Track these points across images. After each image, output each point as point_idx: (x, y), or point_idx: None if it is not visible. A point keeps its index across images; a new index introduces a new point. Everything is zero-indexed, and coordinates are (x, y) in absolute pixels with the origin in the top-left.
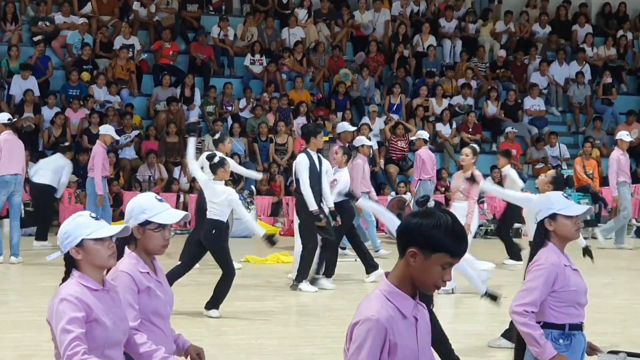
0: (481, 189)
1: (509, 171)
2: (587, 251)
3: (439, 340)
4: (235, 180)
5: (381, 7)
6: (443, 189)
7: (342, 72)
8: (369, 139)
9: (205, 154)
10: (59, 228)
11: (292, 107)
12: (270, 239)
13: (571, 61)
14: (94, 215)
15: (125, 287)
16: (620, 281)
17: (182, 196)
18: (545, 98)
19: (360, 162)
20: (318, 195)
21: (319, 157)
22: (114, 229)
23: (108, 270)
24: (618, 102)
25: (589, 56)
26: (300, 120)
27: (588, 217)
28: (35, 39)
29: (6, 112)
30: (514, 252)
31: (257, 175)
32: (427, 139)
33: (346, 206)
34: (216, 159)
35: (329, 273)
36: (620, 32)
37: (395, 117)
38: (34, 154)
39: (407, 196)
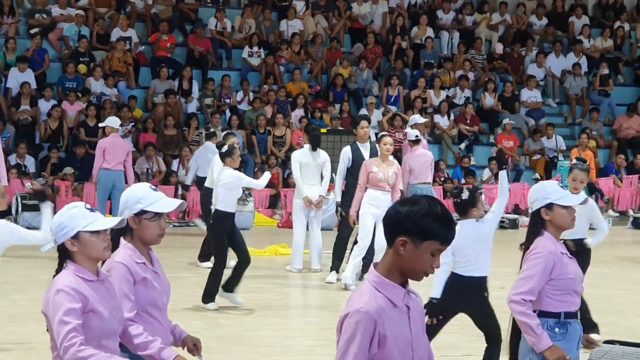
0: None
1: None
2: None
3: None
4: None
5: None
6: (442, 179)
7: (338, 63)
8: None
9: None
10: None
11: (290, 99)
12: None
13: (568, 53)
14: (88, 206)
15: (121, 278)
16: (617, 272)
17: (180, 188)
18: (542, 90)
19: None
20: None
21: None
22: (110, 221)
23: (103, 262)
24: (615, 94)
25: (586, 48)
26: (298, 113)
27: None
28: (32, 31)
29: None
30: None
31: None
32: (416, 137)
33: None
34: (224, 148)
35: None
36: (617, 24)
37: (393, 108)
38: (31, 147)
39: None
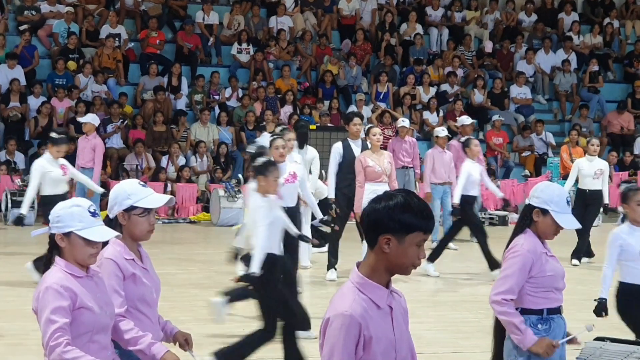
0: None
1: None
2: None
3: None
4: (223, 168)
5: None
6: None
7: (325, 59)
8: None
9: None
10: None
11: (279, 96)
12: None
13: (557, 49)
14: (92, 209)
15: (110, 274)
16: None
17: (169, 185)
18: (532, 86)
19: (429, 153)
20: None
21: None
22: (106, 234)
23: None
24: (604, 90)
25: (575, 44)
26: (287, 109)
27: None
28: (21, 28)
29: None
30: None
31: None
32: (409, 126)
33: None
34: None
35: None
36: (607, 20)
37: (383, 105)
38: (20, 144)
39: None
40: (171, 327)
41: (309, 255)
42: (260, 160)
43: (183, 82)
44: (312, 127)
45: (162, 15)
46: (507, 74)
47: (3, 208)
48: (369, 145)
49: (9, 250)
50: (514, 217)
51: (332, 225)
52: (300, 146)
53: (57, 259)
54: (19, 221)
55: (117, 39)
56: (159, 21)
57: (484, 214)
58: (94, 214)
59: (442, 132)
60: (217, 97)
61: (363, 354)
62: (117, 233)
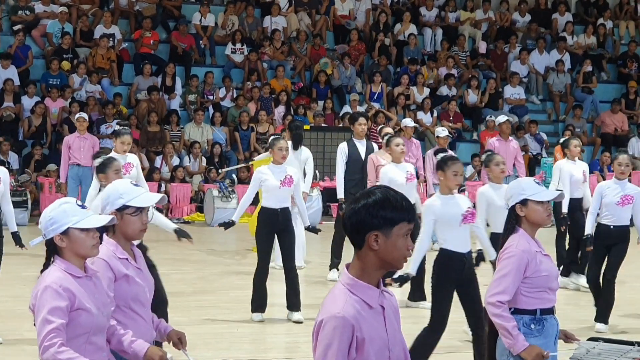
0: None
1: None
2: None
3: None
4: (217, 168)
5: None
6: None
7: (322, 61)
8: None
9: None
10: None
11: (273, 96)
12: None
13: (551, 50)
14: (80, 203)
15: (101, 274)
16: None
17: (163, 185)
18: (526, 86)
19: (430, 154)
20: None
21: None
22: (102, 219)
23: None
24: (598, 91)
25: (569, 44)
26: (281, 109)
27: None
28: (15, 28)
29: None
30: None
31: None
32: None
33: None
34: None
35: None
36: (600, 21)
37: (377, 105)
38: (14, 144)
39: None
40: (165, 325)
41: (304, 255)
42: (440, 155)
43: (177, 82)
44: (306, 127)
45: (156, 15)
46: (501, 74)
47: None
48: (376, 147)
49: (4, 251)
50: None
51: (317, 232)
52: (295, 147)
53: (57, 259)
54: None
55: (111, 39)
56: (153, 21)
57: None
58: (82, 207)
59: (442, 132)
60: (211, 97)
61: (356, 355)
62: (111, 217)
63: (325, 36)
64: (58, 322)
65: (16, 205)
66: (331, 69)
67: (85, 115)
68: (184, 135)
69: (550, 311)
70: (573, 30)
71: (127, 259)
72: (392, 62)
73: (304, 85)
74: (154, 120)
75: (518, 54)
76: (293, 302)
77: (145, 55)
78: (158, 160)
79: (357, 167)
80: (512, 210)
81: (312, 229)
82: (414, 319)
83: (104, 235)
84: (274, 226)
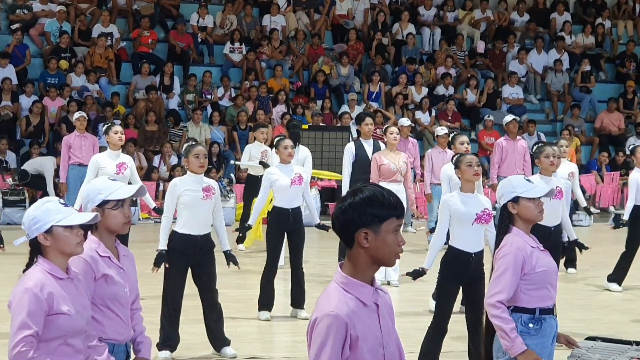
0: None
1: None
2: (577, 244)
3: None
4: (216, 167)
5: None
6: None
7: (320, 60)
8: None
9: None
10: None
11: (271, 96)
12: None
13: (550, 49)
14: (62, 201)
15: (81, 274)
16: (599, 268)
17: (161, 184)
18: (524, 86)
19: (429, 153)
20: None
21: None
22: (84, 216)
23: None
24: (596, 90)
25: (568, 44)
26: (280, 109)
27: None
28: (13, 26)
29: None
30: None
31: None
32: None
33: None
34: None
35: None
36: (599, 20)
37: (375, 105)
38: (12, 143)
39: None
40: (140, 347)
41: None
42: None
43: (175, 82)
44: (305, 126)
45: (154, 14)
46: (500, 74)
47: None
48: (383, 146)
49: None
50: None
51: (328, 229)
52: (293, 146)
53: (40, 259)
54: None
55: (109, 38)
56: (151, 20)
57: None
58: (65, 205)
59: (441, 131)
60: (209, 96)
61: (350, 353)
62: (94, 214)
63: (324, 36)
64: (33, 330)
65: (14, 204)
66: (329, 69)
67: (84, 114)
68: (186, 134)
69: (550, 311)
70: (571, 29)
71: (109, 257)
72: (390, 62)
73: (302, 84)
74: (152, 120)
75: (516, 53)
76: (299, 300)
77: (143, 55)
78: (156, 160)
79: (364, 167)
80: (504, 208)
81: (322, 227)
82: (414, 319)
83: (89, 233)
84: (284, 226)
